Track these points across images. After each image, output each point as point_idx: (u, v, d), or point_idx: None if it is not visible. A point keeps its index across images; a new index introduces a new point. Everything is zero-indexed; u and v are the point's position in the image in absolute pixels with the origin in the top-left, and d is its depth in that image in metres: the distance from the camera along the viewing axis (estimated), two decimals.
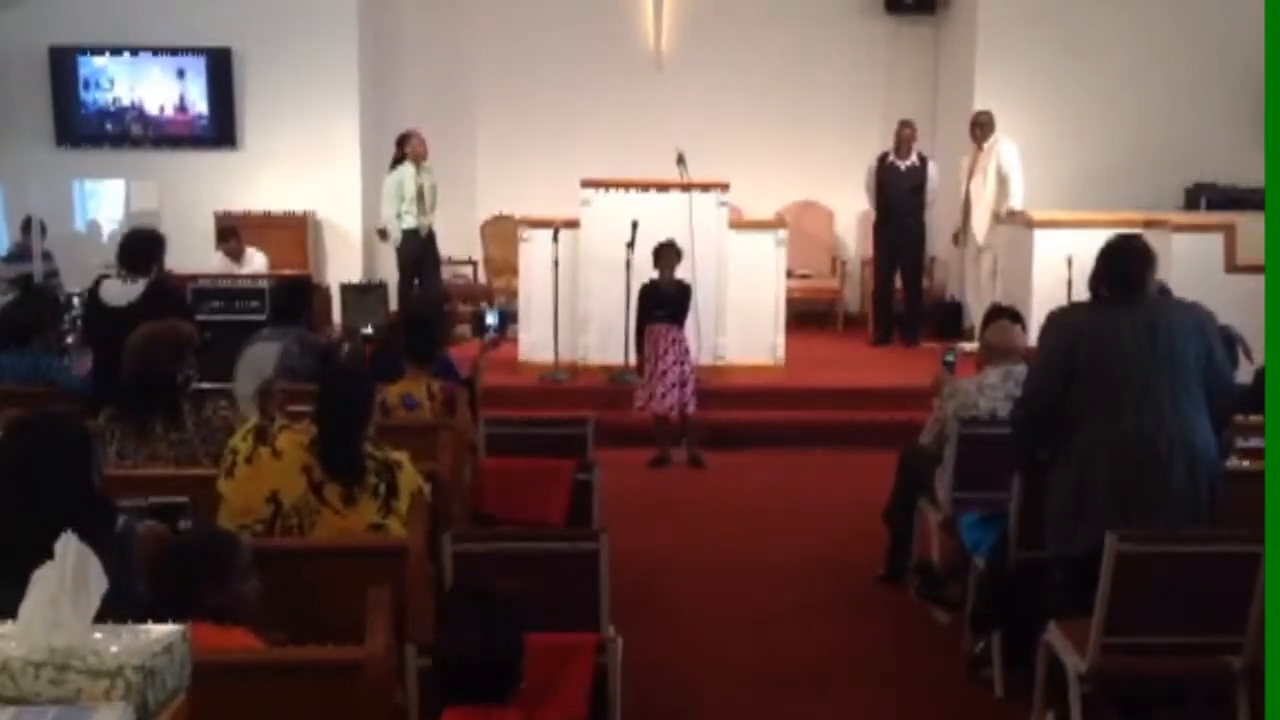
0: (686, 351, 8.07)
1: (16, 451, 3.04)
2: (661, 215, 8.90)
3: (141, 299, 5.87)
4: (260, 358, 5.89)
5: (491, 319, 8.45)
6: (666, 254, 8.13)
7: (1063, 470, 4.19)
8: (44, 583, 1.76)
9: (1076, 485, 4.11)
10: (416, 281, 10.69)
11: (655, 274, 8.17)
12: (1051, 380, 4.19)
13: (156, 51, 11.41)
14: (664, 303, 8.06)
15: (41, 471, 2.98)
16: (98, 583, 1.79)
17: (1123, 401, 4.05)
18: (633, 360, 8.74)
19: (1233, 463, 4.70)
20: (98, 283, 6.20)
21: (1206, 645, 3.79)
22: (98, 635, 1.77)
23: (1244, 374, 5.29)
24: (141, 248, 6.19)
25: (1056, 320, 4.30)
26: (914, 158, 10.76)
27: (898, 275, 10.92)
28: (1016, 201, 10.29)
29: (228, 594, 2.95)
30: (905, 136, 10.75)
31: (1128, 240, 4.39)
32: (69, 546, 1.78)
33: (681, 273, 8.24)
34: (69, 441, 3.09)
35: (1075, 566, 4.11)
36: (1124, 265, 4.21)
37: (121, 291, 5.97)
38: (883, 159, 10.84)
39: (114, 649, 1.72)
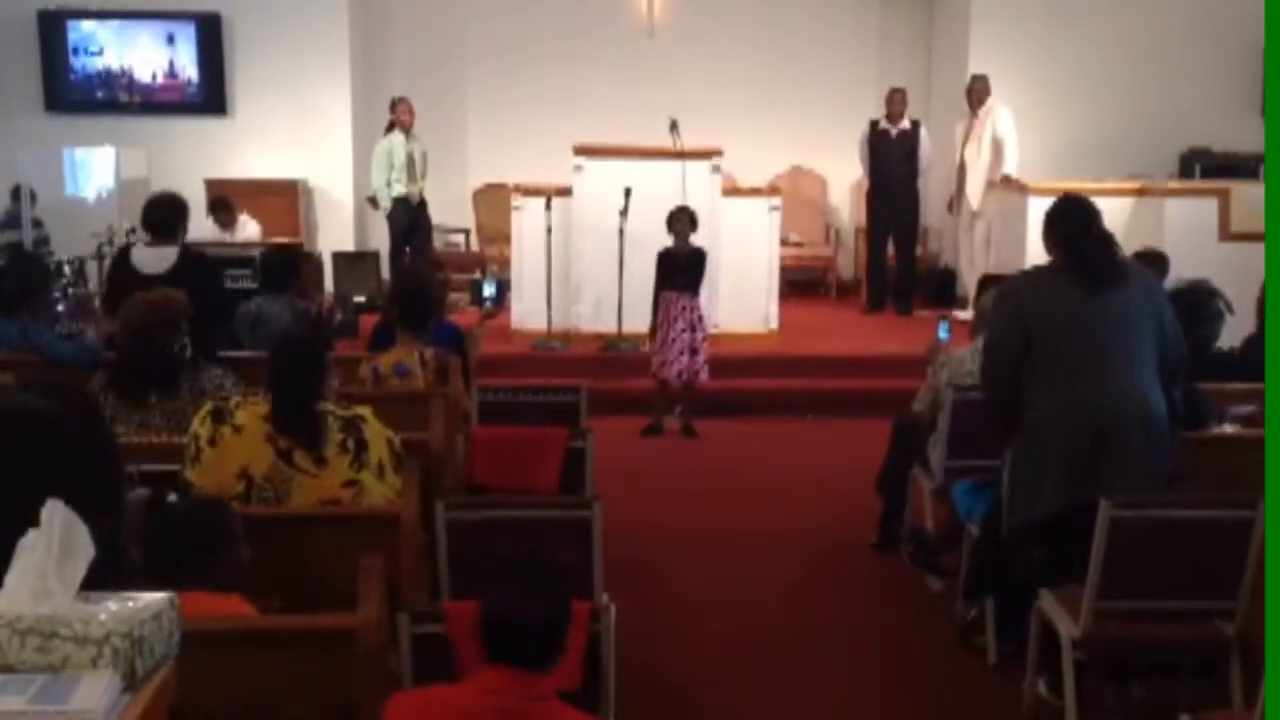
0: (700, 319, 8.01)
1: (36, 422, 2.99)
2: (654, 183, 8.85)
3: (177, 267, 5.83)
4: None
5: (489, 289, 8.42)
6: (678, 220, 7.97)
7: (1022, 439, 4.19)
8: (30, 550, 1.74)
9: (1036, 453, 4.13)
10: (408, 250, 10.66)
11: (670, 241, 8.04)
12: (1005, 354, 4.20)
13: (146, 16, 11.33)
14: (677, 270, 7.96)
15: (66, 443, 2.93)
16: (85, 550, 1.77)
17: (1075, 370, 4.06)
18: (626, 328, 8.75)
19: (1225, 429, 4.70)
20: (126, 249, 6.16)
21: (1199, 611, 3.80)
22: (85, 603, 1.75)
23: (1230, 330, 5.30)
24: (167, 214, 6.15)
25: (1004, 293, 4.31)
26: (905, 123, 10.71)
27: (891, 243, 10.89)
28: (1011, 168, 10.26)
29: (225, 562, 2.96)
30: (896, 102, 10.69)
31: (1072, 201, 4.35)
32: (56, 514, 1.76)
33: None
34: (80, 406, 3.07)
35: (1042, 535, 4.13)
36: (1073, 227, 4.19)
37: (156, 259, 5.92)
38: (874, 125, 10.79)
39: (101, 617, 1.71)
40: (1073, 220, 4.23)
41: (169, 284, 5.25)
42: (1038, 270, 4.34)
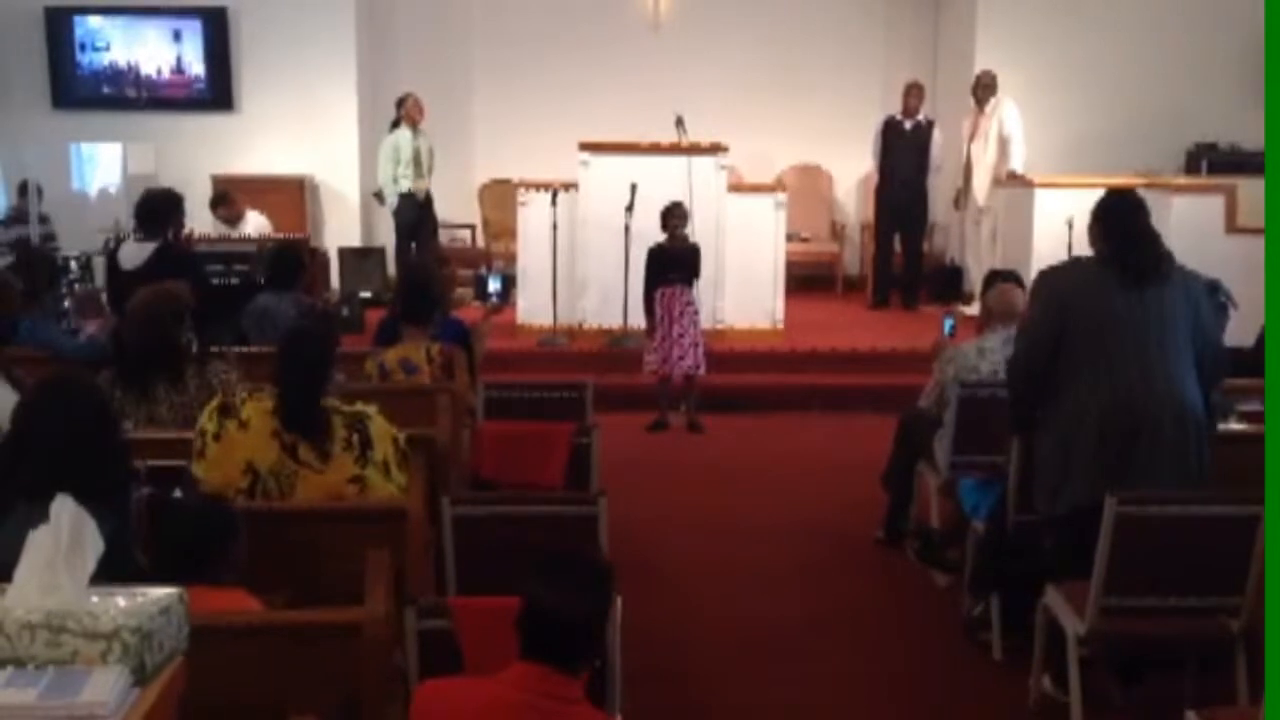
0: (697, 314, 8.07)
1: (48, 410, 3.05)
2: (660, 178, 8.86)
3: (150, 262, 5.84)
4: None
5: (494, 284, 8.40)
6: (675, 215, 8.03)
7: (1049, 431, 4.17)
8: (40, 546, 1.75)
9: (1063, 446, 4.10)
10: (414, 245, 10.66)
11: (663, 236, 8.08)
12: (1041, 342, 4.16)
13: (152, 12, 11.33)
14: (676, 265, 8.00)
15: (73, 431, 2.99)
16: (94, 545, 1.78)
17: (1112, 362, 4.03)
18: (631, 324, 8.75)
19: (1233, 426, 4.70)
20: (118, 244, 6.17)
21: (1204, 607, 3.79)
22: (94, 598, 1.76)
23: (1232, 326, 5.29)
24: (155, 209, 6.16)
25: (1045, 281, 4.27)
26: (920, 118, 10.70)
27: (897, 238, 10.88)
28: (1017, 164, 10.24)
29: (228, 558, 2.99)
30: (912, 96, 10.66)
31: (1122, 195, 4.34)
32: (64, 509, 1.77)
33: None
34: (95, 402, 3.13)
35: (1066, 528, 4.11)
36: (1121, 220, 4.18)
37: (135, 254, 5.94)
38: (889, 120, 10.78)
39: (110, 611, 1.72)
40: (1119, 214, 4.20)
41: (145, 278, 5.27)
42: (1081, 261, 4.30)
